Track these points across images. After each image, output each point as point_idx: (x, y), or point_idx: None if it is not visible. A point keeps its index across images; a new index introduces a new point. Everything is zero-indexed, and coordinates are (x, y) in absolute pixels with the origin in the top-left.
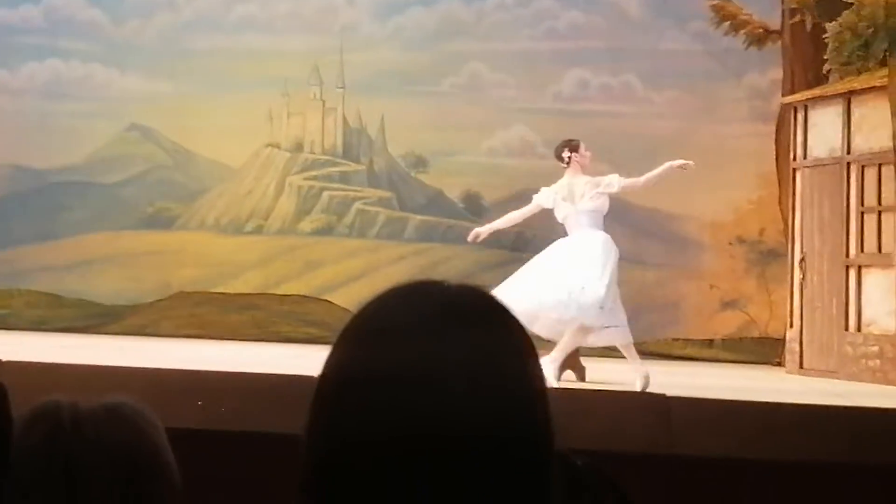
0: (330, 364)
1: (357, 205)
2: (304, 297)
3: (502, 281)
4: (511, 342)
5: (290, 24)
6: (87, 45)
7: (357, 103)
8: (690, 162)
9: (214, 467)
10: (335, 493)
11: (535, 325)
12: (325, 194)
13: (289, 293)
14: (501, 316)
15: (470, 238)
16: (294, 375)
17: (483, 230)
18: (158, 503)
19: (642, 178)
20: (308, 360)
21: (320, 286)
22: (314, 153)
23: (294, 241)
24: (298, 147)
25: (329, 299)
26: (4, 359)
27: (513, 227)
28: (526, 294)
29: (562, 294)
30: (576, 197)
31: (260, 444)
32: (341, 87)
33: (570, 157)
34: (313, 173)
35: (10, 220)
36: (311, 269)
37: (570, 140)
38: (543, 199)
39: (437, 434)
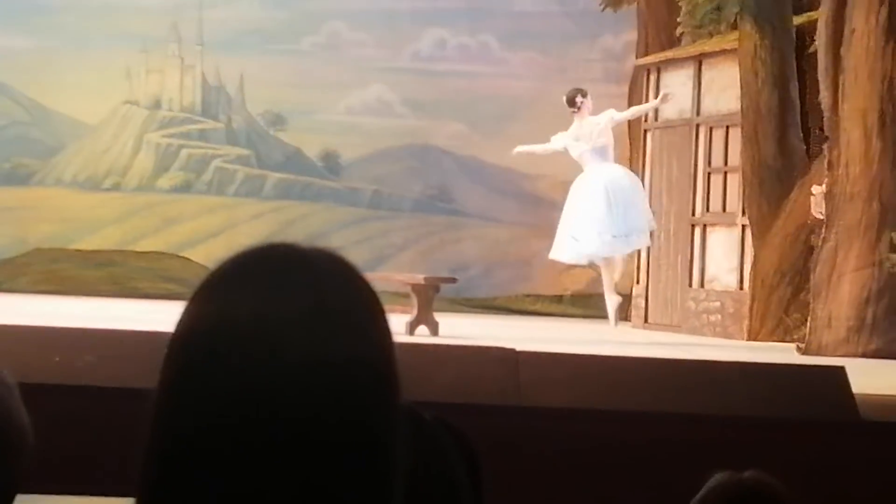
0: (177, 324)
1: (216, 162)
2: (162, 253)
3: (359, 238)
4: (357, 303)
5: None
6: None
7: (216, 61)
8: (670, 93)
9: (71, 423)
10: (173, 460)
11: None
12: (184, 151)
13: (147, 250)
14: (348, 276)
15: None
16: (151, 332)
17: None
18: (11, 466)
19: (630, 110)
20: (165, 316)
21: (178, 243)
22: (172, 111)
23: (152, 197)
24: (157, 104)
25: (187, 256)
26: None
27: (369, 186)
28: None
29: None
30: (591, 136)
31: (117, 400)
32: (200, 45)
33: (581, 102)
34: (172, 130)
35: None
36: (169, 226)
37: (580, 88)
38: (559, 143)
39: (277, 391)
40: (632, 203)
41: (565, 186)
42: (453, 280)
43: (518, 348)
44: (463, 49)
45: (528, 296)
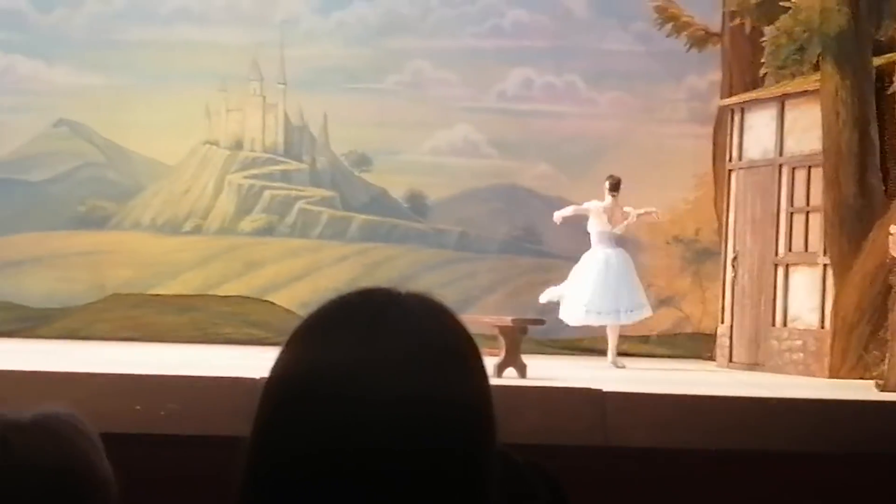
0: (273, 369)
1: (299, 204)
2: (246, 297)
3: (446, 280)
4: (455, 346)
5: (226, 15)
6: (8, 34)
7: (299, 100)
8: (654, 210)
9: (154, 473)
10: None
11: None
12: (267, 193)
13: (229, 294)
14: (445, 320)
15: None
16: (236, 378)
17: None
18: None
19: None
20: (250, 361)
21: (262, 287)
22: (254, 151)
23: (234, 240)
24: (238, 144)
25: (271, 300)
26: None
27: (455, 227)
28: (587, 303)
29: (616, 305)
30: (613, 220)
31: (200, 448)
32: (282, 83)
33: (618, 189)
34: (254, 171)
35: None
36: (252, 270)
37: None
38: (593, 210)
39: (373, 432)
40: (632, 283)
41: (647, 228)
42: (541, 322)
43: (605, 389)
44: (549, 88)
45: None
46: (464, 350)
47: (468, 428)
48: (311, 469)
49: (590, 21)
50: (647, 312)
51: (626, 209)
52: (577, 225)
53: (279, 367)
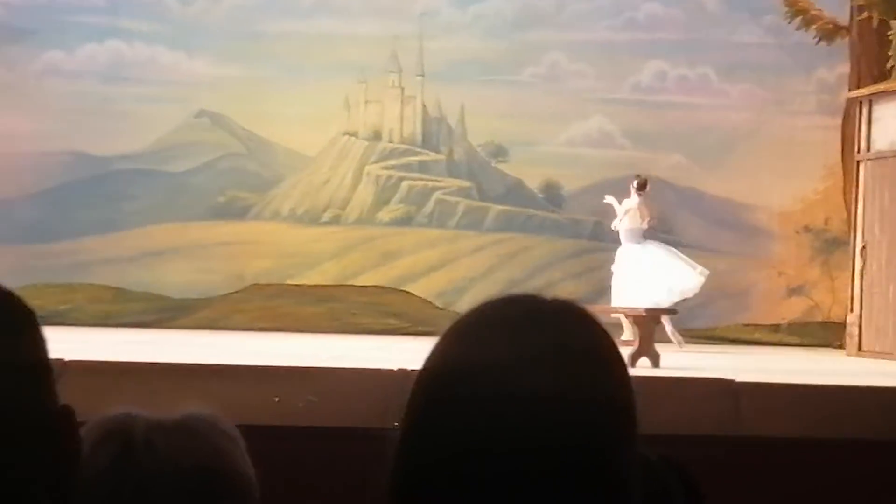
0: (424, 365)
1: (436, 195)
2: (383, 287)
3: (580, 269)
4: (598, 348)
5: (365, 7)
6: (151, 25)
7: (436, 91)
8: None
9: (292, 465)
10: (428, 495)
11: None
12: (404, 184)
13: (367, 284)
14: (588, 324)
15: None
16: (374, 369)
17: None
18: None
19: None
20: (387, 353)
21: (399, 277)
22: (393, 142)
23: (372, 231)
24: (376, 135)
25: (408, 290)
26: (67, 357)
27: (590, 217)
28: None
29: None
30: (642, 218)
31: (340, 440)
32: (420, 75)
33: (646, 188)
34: (392, 162)
35: (70, 210)
36: (389, 260)
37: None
38: (630, 210)
39: (522, 427)
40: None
41: (782, 217)
42: (674, 311)
43: (737, 379)
44: (682, 80)
45: (747, 325)
46: (606, 352)
47: (612, 425)
48: (461, 464)
49: (722, 14)
50: (697, 282)
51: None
52: (710, 216)
53: (431, 364)
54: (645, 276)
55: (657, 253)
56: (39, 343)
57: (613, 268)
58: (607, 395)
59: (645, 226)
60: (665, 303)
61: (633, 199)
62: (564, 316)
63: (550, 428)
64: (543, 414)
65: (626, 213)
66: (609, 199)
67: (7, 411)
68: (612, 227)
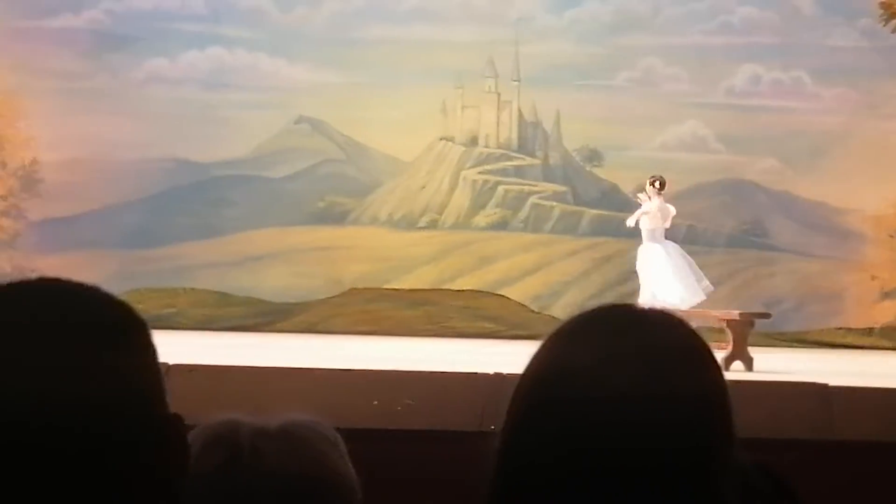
0: (526, 370)
1: (532, 199)
2: (479, 291)
3: None
4: (694, 352)
5: (462, 13)
6: (251, 32)
7: (532, 96)
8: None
9: (390, 466)
10: (533, 496)
11: None
12: (501, 188)
13: (463, 288)
14: (684, 330)
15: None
16: (470, 373)
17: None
18: None
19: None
20: (483, 356)
21: (495, 281)
22: (489, 147)
23: (469, 235)
24: (473, 140)
25: (504, 294)
26: (171, 361)
27: (684, 221)
28: (670, 291)
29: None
30: (666, 217)
31: (437, 443)
32: (516, 80)
33: (664, 188)
34: (488, 167)
35: (172, 216)
36: (485, 264)
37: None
38: (650, 211)
39: (621, 427)
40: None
41: (875, 221)
42: (767, 315)
43: (830, 383)
44: (776, 84)
45: (839, 329)
46: (702, 355)
47: (710, 426)
48: (564, 465)
49: (816, 18)
50: (699, 297)
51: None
52: (803, 219)
53: (533, 368)
54: (668, 275)
55: (676, 255)
56: (151, 351)
57: (638, 266)
58: (704, 396)
59: (668, 225)
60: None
61: (655, 201)
62: (661, 322)
63: (651, 429)
64: (644, 415)
65: (646, 214)
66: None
67: (121, 420)
68: (628, 225)
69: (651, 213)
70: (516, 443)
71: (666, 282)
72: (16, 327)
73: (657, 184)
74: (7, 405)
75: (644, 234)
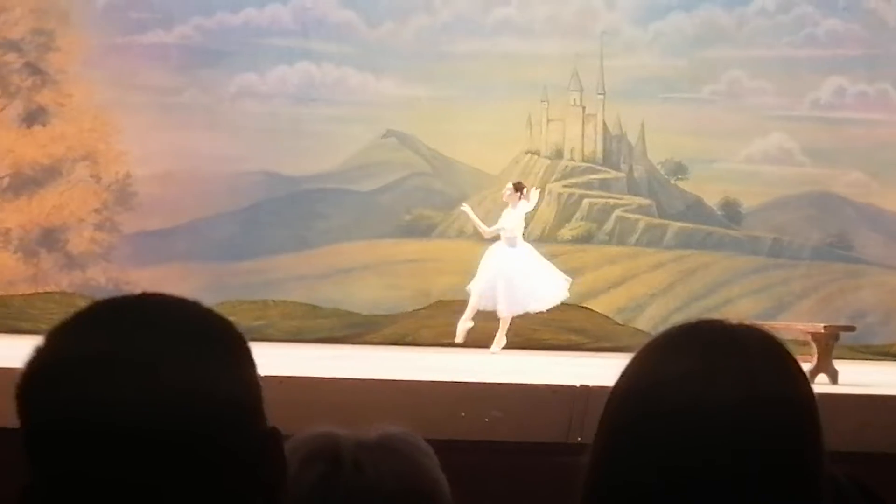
0: (617, 383)
1: (617, 212)
2: (564, 304)
3: (759, 286)
4: (783, 366)
5: (548, 27)
6: (340, 47)
7: (616, 110)
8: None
9: (477, 479)
10: None
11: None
12: (585, 202)
13: None
14: (772, 343)
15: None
16: (556, 385)
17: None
18: None
19: None
20: (568, 368)
21: (580, 293)
22: (574, 160)
23: (554, 248)
24: (558, 154)
25: (589, 306)
26: (262, 373)
27: (769, 234)
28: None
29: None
30: (526, 223)
31: (522, 454)
32: (601, 94)
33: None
34: (573, 180)
35: (263, 229)
36: (571, 277)
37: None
38: (518, 213)
39: (712, 438)
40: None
41: None
42: (852, 328)
43: None
44: (862, 97)
45: None
46: (792, 368)
47: (802, 435)
48: (662, 475)
49: None
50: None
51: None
52: (888, 232)
53: (625, 382)
54: (519, 280)
55: (531, 257)
56: (250, 366)
57: (484, 264)
58: (798, 407)
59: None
60: (528, 310)
61: (524, 205)
62: (753, 336)
63: (748, 441)
64: (741, 427)
65: (521, 219)
66: (465, 207)
67: (222, 435)
68: (491, 233)
69: (517, 219)
70: (611, 456)
71: (528, 286)
72: (131, 340)
73: (525, 189)
74: (126, 413)
75: (505, 237)
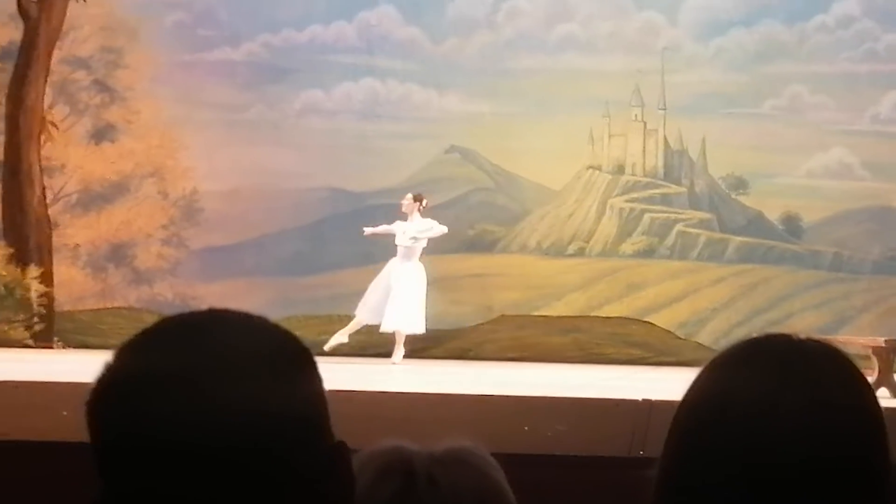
0: (687, 395)
1: (678, 227)
2: (626, 318)
3: (820, 301)
4: (849, 378)
5: (611, 43)
6: (404, 64)
7: (678, 125)
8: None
9: (540, 493)
10: None
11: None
12: (647, 216)
13: (611, 315)
14: (838, 361)
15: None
16: (619, 399)
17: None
18: None
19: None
20: (630, 382)
21: (642, 308)
22: (635, 175)
23: (616, 263)
24: (620, 169)
25: (651, 321)
26: (329, 388)
27: (830, 248)
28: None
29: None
30: (420, 235)
31: (586, 469)
32: (663, 109)
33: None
34: (634, 195)
35: (329, 244)
36: (632, 291)
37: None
38: (398, 229)
39: (781, 444)
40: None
41: None
42: None
43: None
44: None
45: None
46: (858, 380)
47: (876, 451)
48: (732, 493)
49: None
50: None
51: (429, 223)
52: None
53: (693, 397)
54: (406, 295)
55: (419, 276)
56: (317, 381)
57: (385, 280)
58: (868, 421)
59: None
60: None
61: (418, 219)
62: (821, 350)
63: (820, 455)
64: (812, 442)
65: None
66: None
67: (289, 450)
68: (404, 242)
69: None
70: (680, 471)
71: (406, 301)
72: (199, 357)
73: (424, 202)
74: (194, 429)
75: (403, 252)
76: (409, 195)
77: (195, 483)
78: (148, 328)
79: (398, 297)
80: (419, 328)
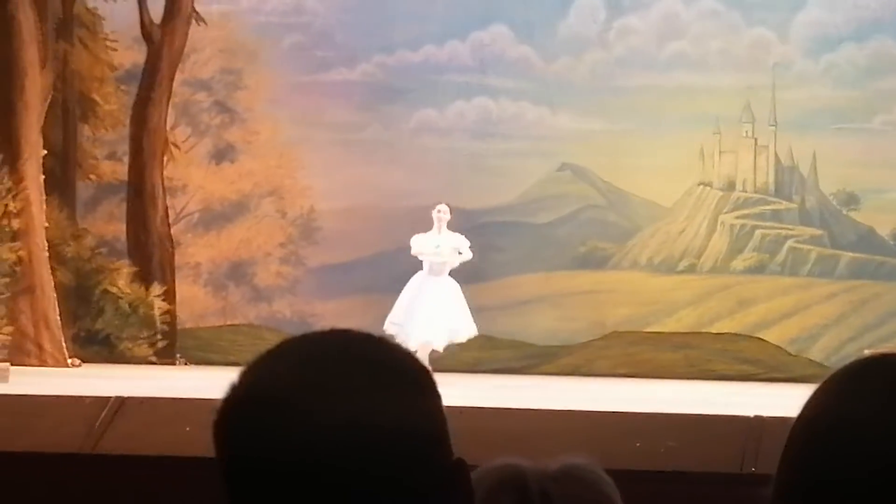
0: (804, 410)
1: (789, 243)
2: (737, 334)
3: None
4: None
5: (722, 60)
6: (516, 82)
7: (788, 141)
8: None
9: None
10: None
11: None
12: (758, 233)
13: (722, 331)
14: None
15: None
16: (731, 416)
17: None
18: None
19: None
20: (742, 398)
21: (753, 324)
22: (746, 191)
23: (727, 279)
24: (730, 185)
25: (762, 337)
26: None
27: None
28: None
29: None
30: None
31: (696, 485)
32: (773, 125)
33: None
34: (745, 212)
35: None
36: (743, 307)
37: None
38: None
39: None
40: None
41: None
42: None
43: None
44: None
45: None
46: None
47: None
48: (848, 493)
49: None
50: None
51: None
52: None
53: (811, 415)
54: (440, 311)
55: (453, 290)
56: (436, 398)
57: (412, 295)
58: None
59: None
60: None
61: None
62: None
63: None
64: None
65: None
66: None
67: (412, 467)
68: (442, 256)
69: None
70: (796, 491)
71: (439, 317)
72: (322, 377)
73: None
74: (318, 449)
75: (431, 267)
76: (445, 205)
77: (320, 502)
78: (271, 349)
79: (448, 313)
80: (469, 334)
